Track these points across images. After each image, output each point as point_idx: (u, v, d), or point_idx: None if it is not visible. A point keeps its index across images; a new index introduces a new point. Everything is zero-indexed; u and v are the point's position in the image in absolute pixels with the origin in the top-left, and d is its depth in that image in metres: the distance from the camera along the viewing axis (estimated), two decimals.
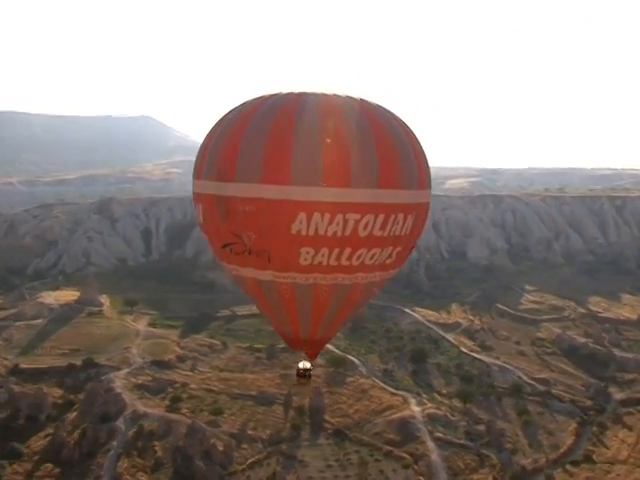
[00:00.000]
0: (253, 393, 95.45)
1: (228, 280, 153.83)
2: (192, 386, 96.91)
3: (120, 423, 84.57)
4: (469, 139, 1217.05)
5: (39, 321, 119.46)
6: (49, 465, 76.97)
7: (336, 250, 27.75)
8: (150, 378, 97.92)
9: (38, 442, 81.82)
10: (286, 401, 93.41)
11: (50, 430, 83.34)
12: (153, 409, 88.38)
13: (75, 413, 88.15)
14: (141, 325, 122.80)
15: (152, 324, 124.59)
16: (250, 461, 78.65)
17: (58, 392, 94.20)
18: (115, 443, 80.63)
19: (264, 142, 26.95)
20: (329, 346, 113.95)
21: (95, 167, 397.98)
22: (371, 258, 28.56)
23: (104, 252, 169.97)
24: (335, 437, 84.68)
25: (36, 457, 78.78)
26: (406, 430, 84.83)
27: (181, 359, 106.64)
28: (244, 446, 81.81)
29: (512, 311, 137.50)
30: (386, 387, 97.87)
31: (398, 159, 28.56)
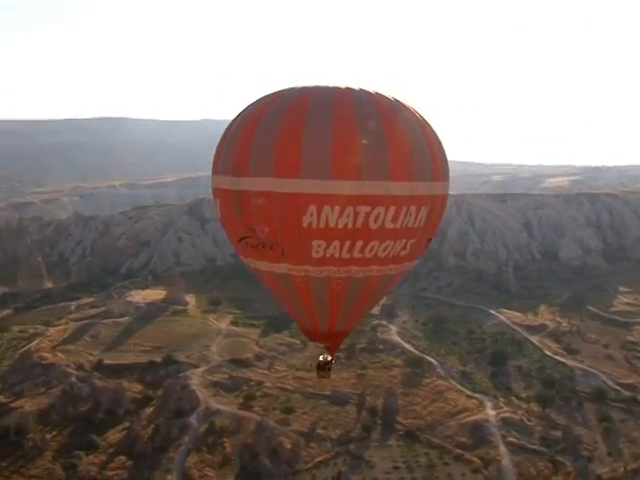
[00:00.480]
0: (327, 393, 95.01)
1: None
2: (267, 384, 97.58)
3: (193, 419, 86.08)
4: (574, 136, 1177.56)
5: (125, 319, 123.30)
6: (123, 458, 79.10)
7: (348, 242, 27.69)
8: (226, 376, 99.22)
9: (115, 435, 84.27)
10: (360, 401, 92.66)
11: (127, 424, 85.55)
12: (226, 406, 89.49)
13: (152, 408, 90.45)
14: (223, 324, 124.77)
15: (234, 323, 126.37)
16: (317, 460, 78.38)
17: (138, 387, 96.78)
18: (186, 438, 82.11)
19: (275, 136, 27.29)
20: (407, 346, 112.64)
21: (195, 170, 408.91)
22: (384, 250, 28.46)
23: (193, 252, 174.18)
24: (405, 439, 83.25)
25: (111, 449, 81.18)
26: (479, 434, 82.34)
27: (259, 358, 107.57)
28: (312, 445, 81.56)
29: (603, 313, 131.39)
30: (463, 389, 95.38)
31: (410, 151, 28.47)
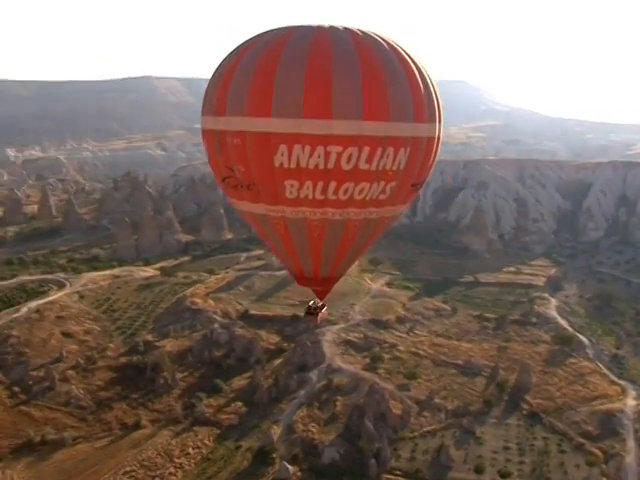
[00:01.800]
0: (459, 362, 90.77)
1: (482, 246, 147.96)
2: (400, 348, 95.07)
3: (313, 375, 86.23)
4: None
5: (281, 272, 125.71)
6: (239, 404, 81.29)
7: (320, 183, 27.22)
8: (361, 336, 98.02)
9: (239, 382, 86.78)
10: (492, 374, 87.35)
11: (253, 373, 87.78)
12: (349, 365, 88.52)
13: (280, 360, 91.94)
14: (377, 284, 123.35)
15: (389, 284, 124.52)
16: (424, 430, 75.09)
17: (275, 339, 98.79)
18: (302, 392, 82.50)
19: (250, 77, 26.89)
20: (562, 322, 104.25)
21: None
22: (360, 193, 27.73)
23: None
24: (527, 419, 77.20)
25: (232, 395, 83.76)
26: (609, 424, 74.06)
27: (401, 320, 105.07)
28: (425, 414, 78.27)
29: None
30: (608, 374, 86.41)
31: (387, 91, 26.95)
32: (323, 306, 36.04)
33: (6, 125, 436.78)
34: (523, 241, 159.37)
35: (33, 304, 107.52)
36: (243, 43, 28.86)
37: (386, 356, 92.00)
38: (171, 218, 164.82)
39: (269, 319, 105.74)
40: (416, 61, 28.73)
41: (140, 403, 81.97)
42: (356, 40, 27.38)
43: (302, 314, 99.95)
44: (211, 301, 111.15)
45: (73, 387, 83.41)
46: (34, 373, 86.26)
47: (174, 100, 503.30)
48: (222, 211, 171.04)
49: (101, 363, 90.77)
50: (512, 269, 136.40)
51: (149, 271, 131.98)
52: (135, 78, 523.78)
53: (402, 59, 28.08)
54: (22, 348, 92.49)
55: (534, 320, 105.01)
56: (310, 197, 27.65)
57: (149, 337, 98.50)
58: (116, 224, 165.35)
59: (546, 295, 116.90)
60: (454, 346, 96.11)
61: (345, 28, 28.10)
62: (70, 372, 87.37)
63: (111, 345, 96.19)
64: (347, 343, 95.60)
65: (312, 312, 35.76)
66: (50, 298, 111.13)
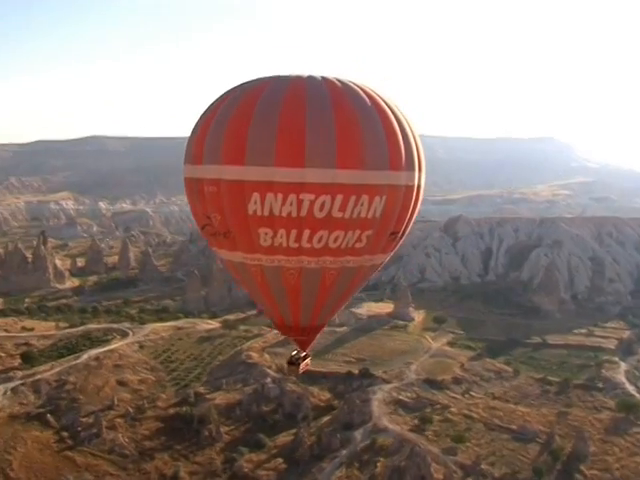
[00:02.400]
0: (513, 427, 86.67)
1: (554, 306, 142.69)
2: (452, 410, 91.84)
3: (357, 433, 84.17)
4: None
5: (343, 329, 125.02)
6: (280, 460, 79.86)
7: (294, 231, 27.35)
8: (414, 395, 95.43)
9: (283, 438, 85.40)
10: (547, 441, 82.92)
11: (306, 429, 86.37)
12: (396, 426, 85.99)
13: (328, 418, 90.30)
14: (438, 343, 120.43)
15: (451, 343, 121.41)
16: None
17: (325, 396, 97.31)
18: (344, 452, 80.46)
19: (225, 125, 27.40)
20: (630, 388, 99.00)
21: (490, 188, 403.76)
22: (335, 241, 27.74)
23: (439, 269, 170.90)
24: None
25: (274, 451, 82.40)
26: None
27: (457, 381, 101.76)
28: None
29: None
30: None
31: (361, 139, 26.83)
32: (307, 356, 35.06)
33: (103, 179, 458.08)
34: (597, 302, 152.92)
35: (94, 352, 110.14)
36: (225, 92, 29.34)
37: (436, 417, 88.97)
38: None
39: (323, 375, 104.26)
40: (395, 110, 28.60)
41: (182, 454, 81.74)
42: (331, 88, 27.48)
43: (357, 371, 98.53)
44: (267, 355, 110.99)
45: (119, 435, 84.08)
46: (84, 419, 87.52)
47: None
48: None
49: (150, 413, 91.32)
50: (583, 331, 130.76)
51: (212, 324, 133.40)
52: None
53: (379, 108, 27.93)
54: (76, 394, 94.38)
55: (600, 385, 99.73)
56: (284, 245, 27.67)
57: (201, 389, 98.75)
58: (187, 277, 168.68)
59: (616, 359, 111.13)
60: (510, 410, 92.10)
61: (323, 77, 28.27)
62: (119, 420, 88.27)
63: (163, 395, 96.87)
64: (397, 403, 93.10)
65: (294, 362, 34.64)
66: (111, 347, 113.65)
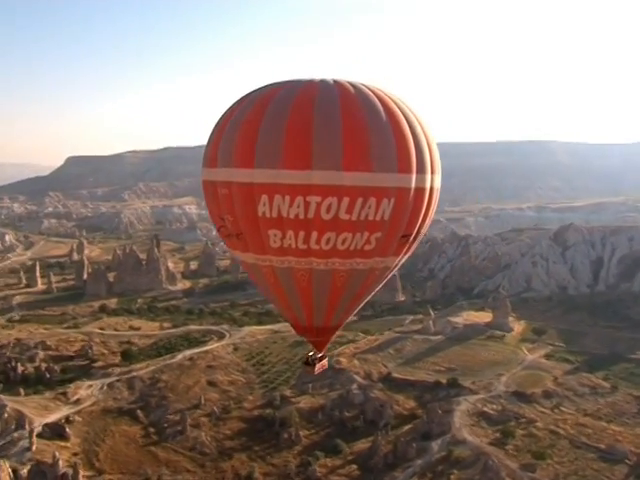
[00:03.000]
0: (602, 446, 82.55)
1: None
2: (538, 424, 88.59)
3: (435, 444, 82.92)
4: None
5: (438, 337, 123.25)
6: (354, 467, 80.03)
7: (302, 233, 27.82)
8: (499, 408, 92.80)
9: (361, 445, 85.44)
10: (636, 463, 78.49)
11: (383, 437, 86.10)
12: (475, 438, 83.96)
13: (409, 427, 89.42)
14: (534, 355, 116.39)
15: (548, 356, 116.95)
16: None
17: (411, 405, 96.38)
18: (419, 462, 79.53)
19: (238, 129, 28.21)
20: None
21: (615, 195, 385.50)
22: (343, 243, 28.03)
23: (545, 279, 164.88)
24: None
25: (350, 457, 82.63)
26: None
27: (548, 395, 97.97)
28: None
29: None
30: None
31: (368, 141, 27.11)
32: (323, 357, 35.23)
33: None
34: None
35: (189, 352, 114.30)
36: (241, 97, 30.05)
37: (520, 432, 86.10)
38: None
39: (410, 384, 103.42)
40: (407, 113, 28.69)
41: (260, 456, 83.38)
42: (341, 91, 27.83)
43: (445, 381, 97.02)
44: (356, 361, 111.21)
45: (202, 434, 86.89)
46: (171, 417, 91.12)
47: None
48: (396, 273, 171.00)
49: (235, 413, 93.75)
50: None
51: None
52: None
53: (389, 111, 28.09)
54: (167, 392, 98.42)
55: None
56: (293, 246, 28.08)
57: (288, 392, 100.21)
58: None
59: None
60: (601, 428, 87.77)
61: (335, 81, 28.62)
62: (204, 419, 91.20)
63: (250, 397, 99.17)
64: (481, 414, 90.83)
65: (310, 363, 34.87)
66: (206, 348, 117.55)
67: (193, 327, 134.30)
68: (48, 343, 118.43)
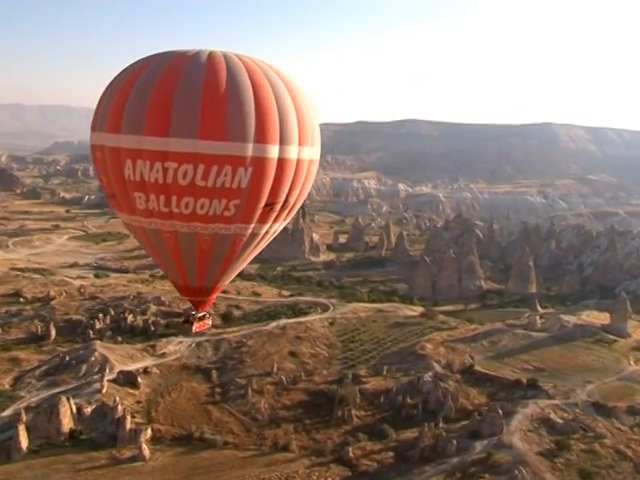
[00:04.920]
0: None
1: None
2: (605, 441, 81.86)
3: (478, 444, 79.83)
4: None
5: (541, 335, 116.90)
6: (390, 454, 79.35)
7: (162, 197, 29.81)
8: (569, 417, 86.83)
9: (409, 434, 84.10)
10: None
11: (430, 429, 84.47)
12: (524, 445, 79.59)
13: (464, 422, 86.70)
14: (638, 366, 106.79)
15: None
16: None
17: (480, 401, 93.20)
18: (454, 460, 77.16)
19: (113, 97, 30.77)
20: None
21: None
22: (202, 208, 29.74)
23: None
24: None
25: (391, 444, 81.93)
26: None
27: (632, 411, 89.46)
28: None
29: None
30: None
31: (225, 111, 28.51)
32: (205, 317, 37.70)
33: (412, 161, 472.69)
34: None
35: (284, 321, 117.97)
36: (125, 68, 32.02)
37: (580, 446, 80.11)
38: (473, 262, 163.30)
39: (490, 379, 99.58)
40: (277, 86, 29.48)
41: (306, 429, 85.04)
42: (210, 63, 28.95)
43: (525, 380, 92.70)
44: (442, 349, 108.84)
45: (262, 400, 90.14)
46: (240, 380, 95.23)
47: (574, 148, 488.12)
48: (531, 264, 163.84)
49: (302, 385, 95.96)
50: None
51: (415, 310, 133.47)
52: (536, 124, 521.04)
53: (256, 83, 28.90)
54: (246, 357, 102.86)
55: None
56: (157, 209, 30.13)
57: (362, 372, 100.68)
58: (415, 263, 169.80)
59: None
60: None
61: (210, 52, 29.66)
62: (269, 387, 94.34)
63: (324, 372, 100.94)
64: (545, 421, 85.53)
65: (190, 321, 37.79)
66: (302, 319, 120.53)
67: (303, 298, 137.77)
68: (162, 299, 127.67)
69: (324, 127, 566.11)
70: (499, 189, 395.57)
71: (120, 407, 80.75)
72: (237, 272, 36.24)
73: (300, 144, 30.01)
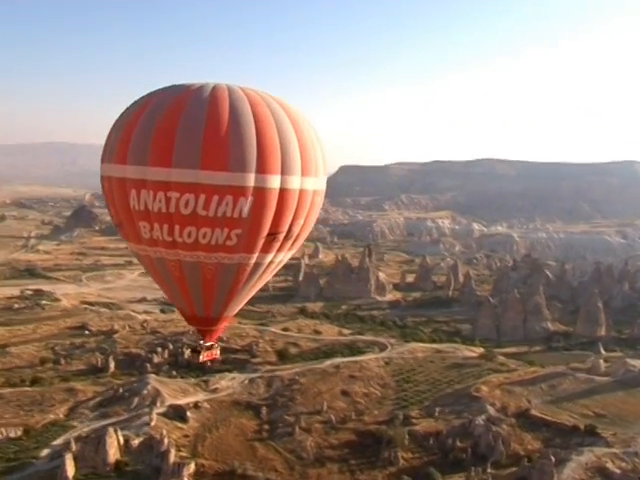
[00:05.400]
0: None
1: None
2: None
3: None
4: None
5: (604, 379, 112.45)
6: None
7: (165, 226, 30.46)
8: (628, 467, 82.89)
9: (456, 479, 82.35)
10: None
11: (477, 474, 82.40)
12: None
13: (513, 469, 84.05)
14: None
15: None
16: None
17: (534, 446, 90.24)
18: None
19: (121, 129, 31.99)
20: None
21: None
22: (204, 237, 30.16)
23: None
24: None
25: None
26: None
27: None
28: None
29: None
30: None
31: (227, 142, 29.12)
32: (213, 347, 37.87)
33: (487, 201, 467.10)
34: None
35: (339, 360, 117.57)
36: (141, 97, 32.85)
37: None
38: (539, 304, 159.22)
39: (546, 424, 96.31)
40: (280, 118, 29.83)
41: (351, 470, 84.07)
42: (214, 95, 29.74)
43: (582, 426, 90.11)
44: (498, 391, 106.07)
45: (309, 438, 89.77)
46: (288, 418, 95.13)
47: None
48: (600, 305, 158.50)
49: (350, 425, 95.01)
50: None
51: (474, 351, 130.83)
52: (618, 162, 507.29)
53: (258, 115, 29.41)
54: (297, 395, 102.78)
55: None
56: (161, 238, 30.73)
57: (413, 413, 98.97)
58: (482, 303, 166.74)
59: None
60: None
61: (215, 85, 30.48)
62: (317, 425, 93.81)
63: (375, 412, 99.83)
64: (601, 471, 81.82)
65: (197, 350, 37.80)
66: (358, 358, 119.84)
67: (361, 337, 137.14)
68: (221, 335, 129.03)
69: (398, 167, 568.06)
70: (576, 229, 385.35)
71: (166, 440, 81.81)
72: (244, 302, 36.52)
73: (303, 174, 30.14)
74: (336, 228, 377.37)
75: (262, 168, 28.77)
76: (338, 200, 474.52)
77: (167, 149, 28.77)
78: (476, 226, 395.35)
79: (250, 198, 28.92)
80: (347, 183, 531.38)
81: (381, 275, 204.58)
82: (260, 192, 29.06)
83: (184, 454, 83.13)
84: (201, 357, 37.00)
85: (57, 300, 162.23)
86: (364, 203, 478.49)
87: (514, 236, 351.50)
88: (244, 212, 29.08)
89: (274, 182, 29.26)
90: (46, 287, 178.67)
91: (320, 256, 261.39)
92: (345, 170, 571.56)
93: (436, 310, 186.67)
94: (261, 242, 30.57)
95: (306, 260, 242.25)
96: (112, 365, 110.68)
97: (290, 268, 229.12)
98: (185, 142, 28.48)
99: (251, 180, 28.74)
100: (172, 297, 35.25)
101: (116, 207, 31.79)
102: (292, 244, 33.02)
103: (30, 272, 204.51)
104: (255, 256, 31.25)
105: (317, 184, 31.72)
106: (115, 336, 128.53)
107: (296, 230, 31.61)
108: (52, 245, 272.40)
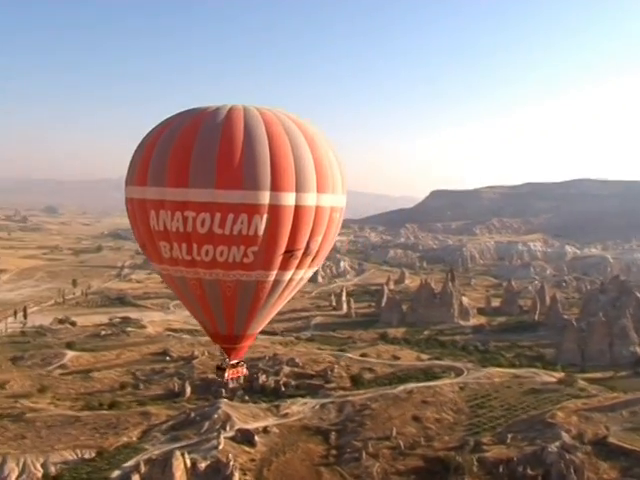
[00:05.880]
0: None
1: None
2: None
3: None
4: None
5: None
6: None
7: (184, 245, 31.37)
8: None
9: None
10: None
11: None
12: None
13: None
14: None
15: None
16: None
17: (610, 476, 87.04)
18: None
19: (142, 152, 33.40)
20: None
21: None
22: (221, 255, 30.89)
23: None
24: None
25: None
26: None
27: None
28: None
29: None
30: None
31: (241, 161, 29.92)
32: (238, 364, 37.30)
33: (581, 222, 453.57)
34: None
35: (412, 385, 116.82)
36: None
37: None
38: (626, 327, 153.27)
39: (625, 452, 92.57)
40: (294, 135, 30.35)
41: None
42: (228, 116, 30.71)
43: None
44: (575, 417, 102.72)
45: (376, 464, 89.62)
46: (357, 443, 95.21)
47: None
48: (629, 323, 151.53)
49: (419, 451, 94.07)
50: None
51: (554, 377, 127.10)
52: None
53: (271, 133, 30.06)
54: (367, 420, 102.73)
55: None
56: (180, 257, 31.57)
57: (485, 439, 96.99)
58: (566, 327, 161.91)
59: None
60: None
61: (232, 107, 31.32)
62: (385, 451, 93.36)
63: (446, 437, 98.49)
64: None
65: (222, 368, 37.26)
66: (432, 383, 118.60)
67: (440, 362, 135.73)
68: (297, 360, 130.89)
69: (489, 190, 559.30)
70: None
71: (231, 464, 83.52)
72: (267, 320, 35.78)
73: (319, 191, 30.06)
74: (425, 253, 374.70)
75: (276, 186, 29.12)
76: (428, 225, 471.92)
77: (183, 169, 29.64)
78: (569, 248, 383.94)
79: (265, 215, 29.30)
80: (438, 208, 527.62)
81: (465, 300, 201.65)
82: (275, 209, 29.40)
83: (249, 478, 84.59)
84: (226, 375, 37.39)
85: (143, 327, 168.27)
86: (455, 227, 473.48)
87: (608, 257, 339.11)
88: (259, 230, 29.50)
89: (289, 199, 29.53)
90: (134, 315, 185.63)
91: (406, 281, 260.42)
92: (436, 195, 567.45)
93: (521, 334, 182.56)
94: (279, 259, 30.76)
95: (391, 285, 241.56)
96: (188, 390, 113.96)
97: (374, 294, 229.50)
98: (200, 162, 29.31)
99: (265, 198, 29.14)
100: (196, 315, 35.48)
101: (139, 228, 32.73)
102: (312, 261, 32.57)
103: (121, 300, 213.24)
104: (274, 273, 31.37)
105: (335, 201, 31.70)
106: (194, 362, 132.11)
107: (314, 247, 31.62)
108: (144, 274, 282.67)
